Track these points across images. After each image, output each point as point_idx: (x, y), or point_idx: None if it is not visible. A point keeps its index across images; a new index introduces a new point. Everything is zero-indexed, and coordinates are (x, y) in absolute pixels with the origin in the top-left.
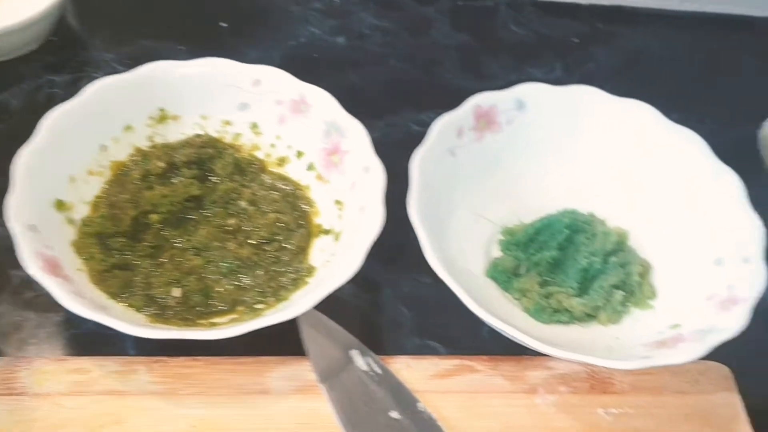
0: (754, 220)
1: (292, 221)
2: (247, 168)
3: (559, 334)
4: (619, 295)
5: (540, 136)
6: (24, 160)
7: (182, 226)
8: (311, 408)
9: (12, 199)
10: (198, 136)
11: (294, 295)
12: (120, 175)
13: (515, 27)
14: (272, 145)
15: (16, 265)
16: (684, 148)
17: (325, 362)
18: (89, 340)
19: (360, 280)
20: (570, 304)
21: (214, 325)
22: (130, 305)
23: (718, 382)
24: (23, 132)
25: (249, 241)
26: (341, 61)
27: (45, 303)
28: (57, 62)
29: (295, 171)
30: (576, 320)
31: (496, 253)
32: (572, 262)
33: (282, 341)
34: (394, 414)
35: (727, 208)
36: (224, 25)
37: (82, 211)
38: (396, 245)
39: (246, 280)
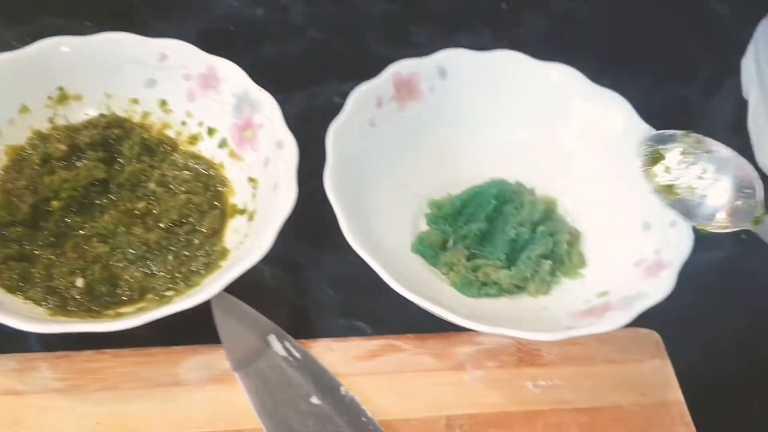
0: None
1: (205, 202)
2: (156, 148)
3: (488, 308)
4: (547, 265)
5: (464, 104)
6: None
7: (87, 212)
8: (226, 398)
9: None
10: (102, 116)
11: (206, 281)
12: (17, 160)
13: None
14: (183, 123)
15: None
16: (610, 112)
17: (240, 349)
18: None
19: (282, 261)
20: (498, 276)
21: (120, 315)
22: (29, 298)
23: (649, 350)
24: None
25: (159, 225)
26: (260, 33)
27: None
28: None
29: (207, 149)
30: (505, 293)
31: (424, 227)
32: (500, 233)
33: (195, 330)
34: (315, 400)
35: None
36: None
37: None
38: (321, 224)
39: (155, 266)
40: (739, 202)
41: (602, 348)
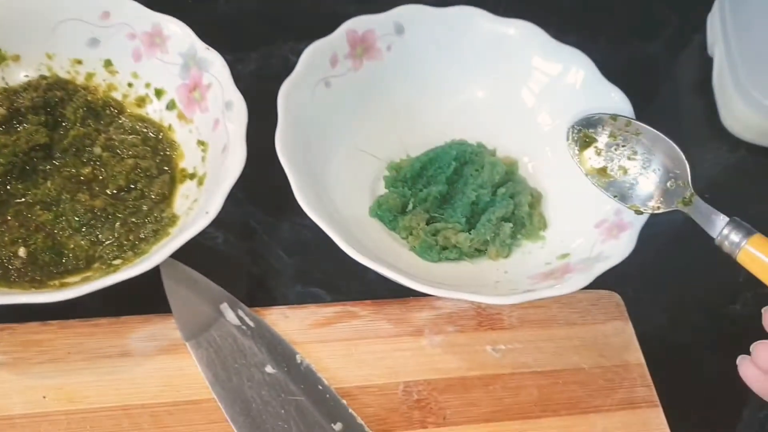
0: None
1: (154, 167)
2: (102, 111)
3: (448, 272)
4: (507, 227)
5: (423, 62)
6: None
7: (29, 179)
8: (177, 369)
9: None
10: (43, 77)
11: (155, 248)
12: None
13: None
14: (129, 85)
15: None
16: (571, 69)
17: (190, 318)
18: None
19: (236, 227)
20: (458, 240)
21: (65, 285)
22: None
23: (610, 311)
24: None
25: (105, 191)
26: None
27: None
28: None
29: (155, 112)
30: (465, 256)
31: (382, 190)
32: (461, 195)
33: (145, 300)
34: (270, 369)
35: None
36: None
37: None
38: (276, 188)
39: (102, 234)
40: (669, 184)
41: (563, 310)
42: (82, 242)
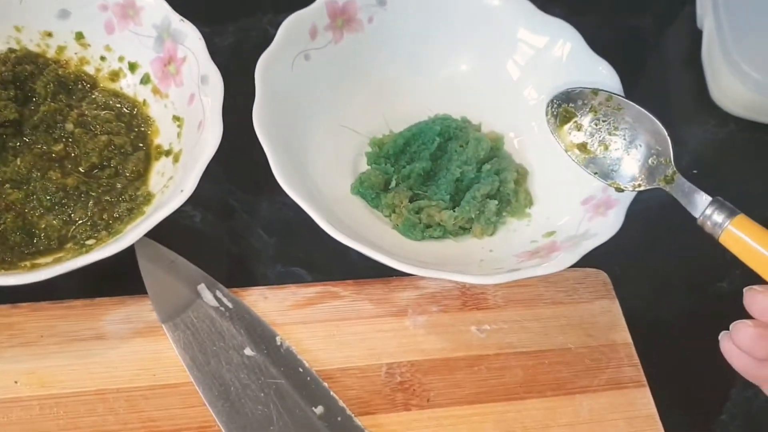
0: None
1: (128, 143)
2: (74, 86)
3: (432, 251)
4: (492, 205)
5: (405, 34)
6: None
7: None
8: (153, 351)
9: None
10: (12, 50)
11: (130, 227)
12: None
13: None
14: (102, 58)
15: None
16: (557, 41)
17: (167, 300)
18: None
19: (214, 205)
20: (442, 218)
21: (37, 266)
22: None
23: (597, 290)
24: None
25: (78, 169)
26: None
27: None
28: None
29: (129, 86)
30: (449, 235)
31: (364, 167)
32: (445, 172)
33: (120, 281)
34: (249, 351)
35: None
36: None
37: None
38: (256, 165)
39: (74, 213)
40: (650, 161)
41: (549, 289)
42: (54, 222)
